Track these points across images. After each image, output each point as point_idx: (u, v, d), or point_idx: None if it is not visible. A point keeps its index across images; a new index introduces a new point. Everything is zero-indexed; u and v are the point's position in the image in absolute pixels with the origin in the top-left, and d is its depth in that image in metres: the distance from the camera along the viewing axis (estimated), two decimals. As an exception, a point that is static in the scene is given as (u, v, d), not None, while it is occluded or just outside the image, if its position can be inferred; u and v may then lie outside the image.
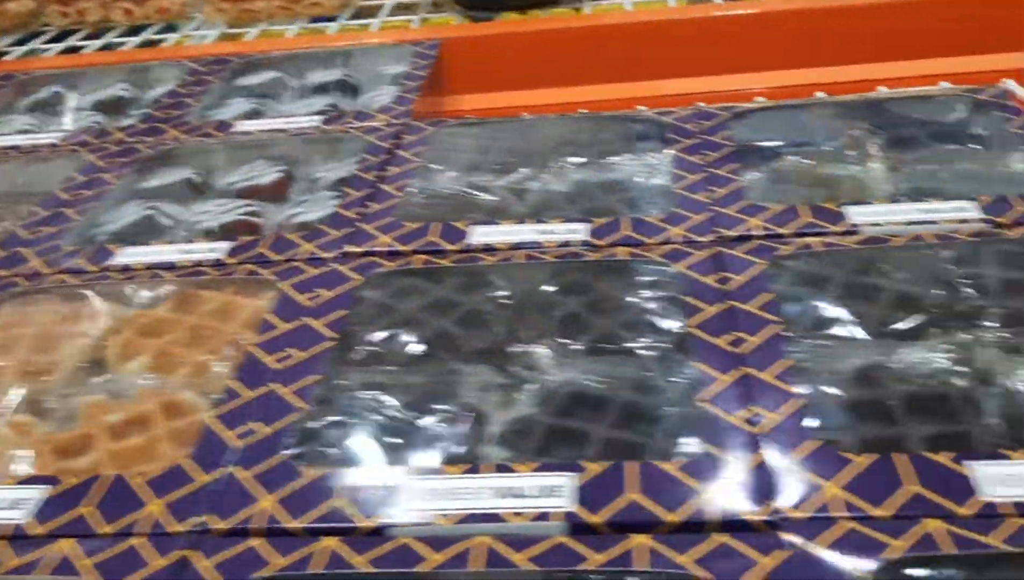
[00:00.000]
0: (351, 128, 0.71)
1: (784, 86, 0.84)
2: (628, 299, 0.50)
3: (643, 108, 0.75)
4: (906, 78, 0.83)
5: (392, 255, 0.55)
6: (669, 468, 0.38)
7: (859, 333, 0.46)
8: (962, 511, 0.35)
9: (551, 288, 0.51)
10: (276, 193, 0.67)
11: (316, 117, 0.73)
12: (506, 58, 0.93)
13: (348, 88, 0.82)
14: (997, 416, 0.40)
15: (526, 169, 0.64)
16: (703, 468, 0.38)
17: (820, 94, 0.80)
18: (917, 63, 0.85)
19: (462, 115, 0.85)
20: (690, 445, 0.40)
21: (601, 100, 0.87)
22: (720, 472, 0.38)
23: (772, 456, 0.38)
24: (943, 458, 0.37)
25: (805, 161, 0.60)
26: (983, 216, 0.52)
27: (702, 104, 0.71)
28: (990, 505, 0.35)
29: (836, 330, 0.46)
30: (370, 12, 1.10)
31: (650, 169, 0.62)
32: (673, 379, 0.44)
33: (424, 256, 0.54)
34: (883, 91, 0.79)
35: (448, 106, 0.88)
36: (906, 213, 0.53)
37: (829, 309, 0.47)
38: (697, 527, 0.36)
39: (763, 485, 0.37)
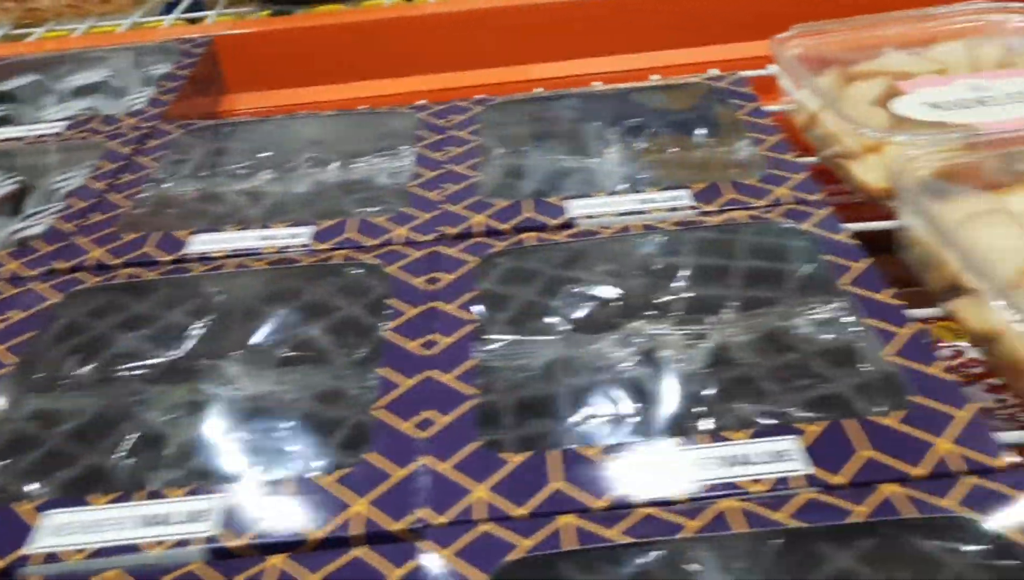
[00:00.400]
0: (95, 134, 0.67)
1: (564, 76, 0.84)
2: (334, 305, 0.49)
3: (424, 102, 0.74)
4: (683, 65, 0.84)
5: (101, 269, 0.52)
6: (325, 482, 0.38)
7: (551, 328, 0.46)
8: (597, 504, 0.35)
9: (257, 297, 0.50)
10: (7, 207, 0.63)
11: (62, 123, 0.70)
12: (296, 54, 0.90)
13: (111, 90, 0.79)
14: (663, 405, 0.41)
15: (268, 172, 0.62)
16: (360, 480, 0.38)
17: (597, 84, 0.81)
18: (694, 50, 0.87)
19: (235, 115, 0.82)
20: (353, 456, 0.39)
21: (389, 94, 0.85)
22: (376, 483, 0.37)
23: (431, 462, 0.38)
24: (591, 452, 0.38)
25: (541, 155, 0.60)
26: (693, 204, 0.53)
27: (484, 96, 0.70)
28: (622, 497, 0.36)
29: (529, 326, 0.46)
30: (168, 9, 1.05)
31: (392, 167, 0.61)
32: (360, 387, 0.43)
33: (131, 269, 0.52)
34: (656, 79, 0.80)
35: (227, 106, 0.84)
36: (622, 204, 0.54)
37: (527, 306, 0.47)
38: (342, 542, 0.35)
39: (415, 493, 0.37)
